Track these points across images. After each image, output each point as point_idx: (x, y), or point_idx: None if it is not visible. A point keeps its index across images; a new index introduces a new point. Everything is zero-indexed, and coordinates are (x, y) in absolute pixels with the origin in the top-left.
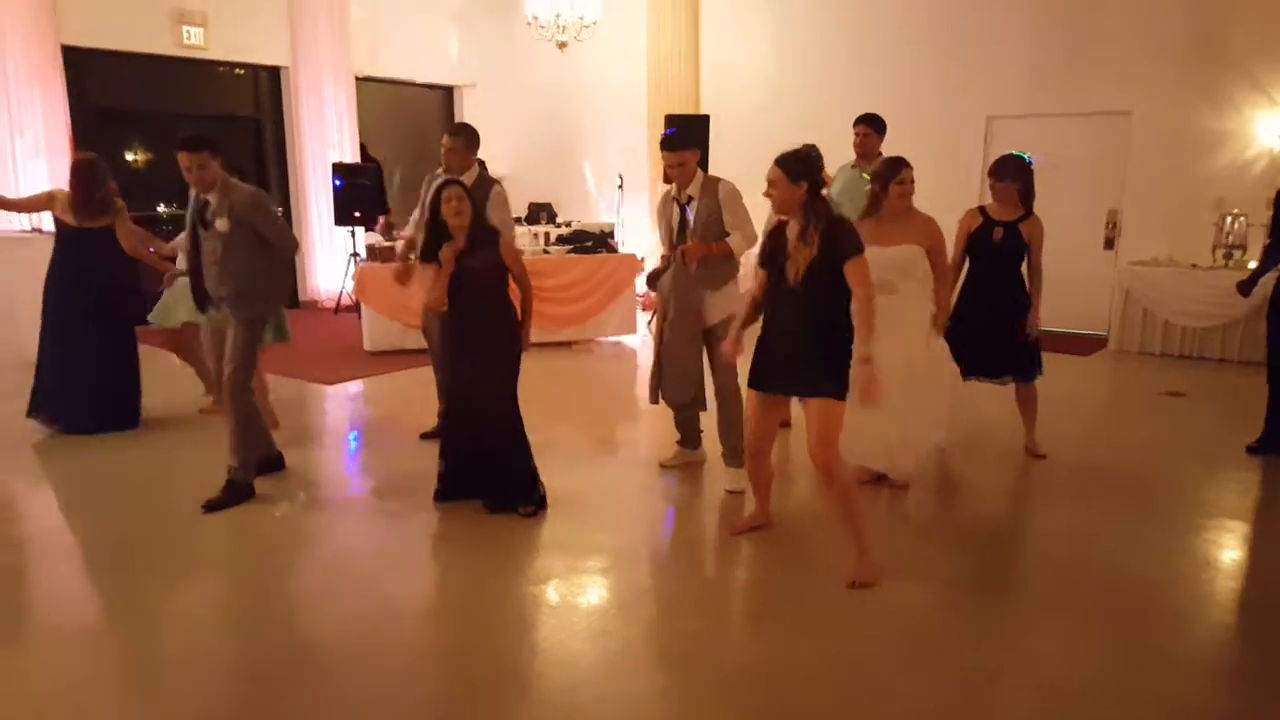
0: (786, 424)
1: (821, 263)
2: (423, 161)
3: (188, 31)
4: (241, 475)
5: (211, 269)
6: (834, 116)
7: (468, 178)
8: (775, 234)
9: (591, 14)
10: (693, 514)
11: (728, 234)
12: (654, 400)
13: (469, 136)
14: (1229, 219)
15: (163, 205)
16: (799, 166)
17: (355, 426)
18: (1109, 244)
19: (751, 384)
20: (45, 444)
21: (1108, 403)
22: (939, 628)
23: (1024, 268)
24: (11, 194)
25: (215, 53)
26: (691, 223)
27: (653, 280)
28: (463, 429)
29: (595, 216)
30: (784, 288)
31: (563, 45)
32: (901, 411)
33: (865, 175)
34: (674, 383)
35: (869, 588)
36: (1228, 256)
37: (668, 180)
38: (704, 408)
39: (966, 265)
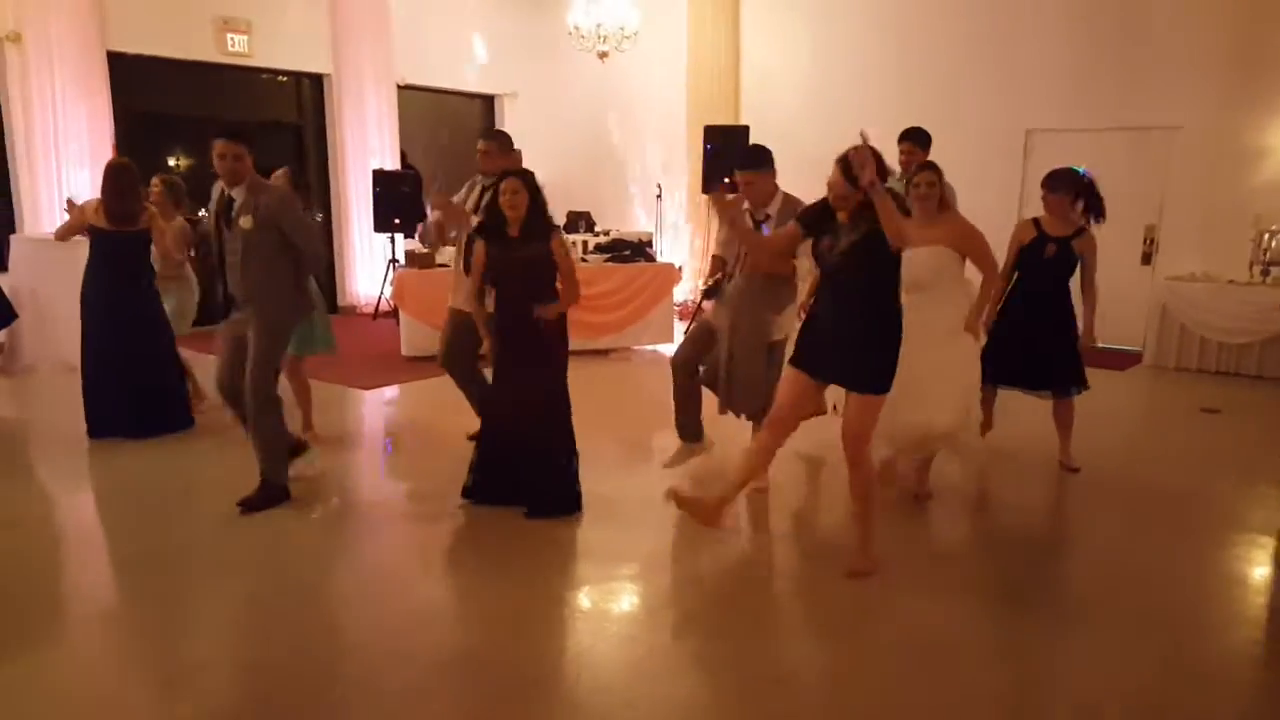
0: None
1: (867, 242)
2: (463, 170)
3: (232, 39)
4: (275, 477)
5: (234, 269)
6: (873, 126)
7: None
8: (823, 206)
9: (632, 24)
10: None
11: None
12: (723, 411)
13: (502, 140)
14: (1266, 235)
15: (204, 210)
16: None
17: (392, 431)
18: (1146, 259)
19: (793, 361)
20: (93, 445)
21: (1143, 418)
22: (971, 640)
23: (1072, 282)
24: (58, 206)
25: (259, 60)
26: None
27: (711, 293)
28: (503, 427)
29: (634, 225)
30: (830, 267)
31: (603, 55)
32: (924, 404)
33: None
34: (746, 395)
35: (864, 578)
36: (1264, 273)
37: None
38: None
39: (1016, 275)
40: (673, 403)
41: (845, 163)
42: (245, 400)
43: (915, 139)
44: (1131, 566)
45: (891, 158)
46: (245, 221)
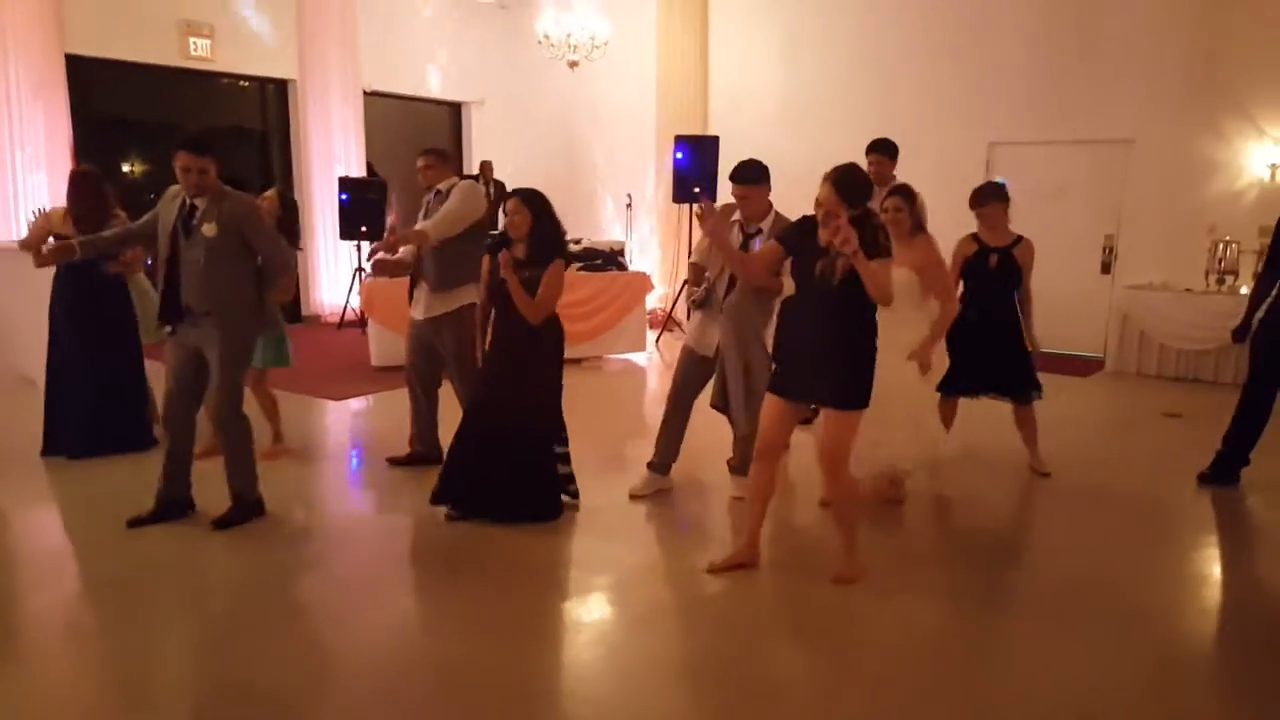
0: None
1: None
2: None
3: (194, 43)
4: (247, 492)
5: (192, 280)
6: (839, 137)
7: (446, 185)
8: (805, 225)
9: (602, 34)
10: (705, 529)
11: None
12: (741, 434)
13: (440, 154)
14: (1221, 245)
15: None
16: (854, 193)
17: (365, 442)
18: (1105, 268)
19: (772, 388)
20: (55, 464)
21: (1108, 422)
22: (955, 644)
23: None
24: (14, 211)
25: (222, 65)
26: None
27: (702, 303)
28: (484, 436)
29: (604, 234)
30: (815, 287)
31: (574, 64)
32: (895, 425)
33: None
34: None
35: (851, 584)
36: (1220, 281)
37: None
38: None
39: (961, 287)
40: (659, 428)
41: (837, 181)
42: (177, 420)
43: (883, 150)
44: (1106, 568)
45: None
46: (208, 229)
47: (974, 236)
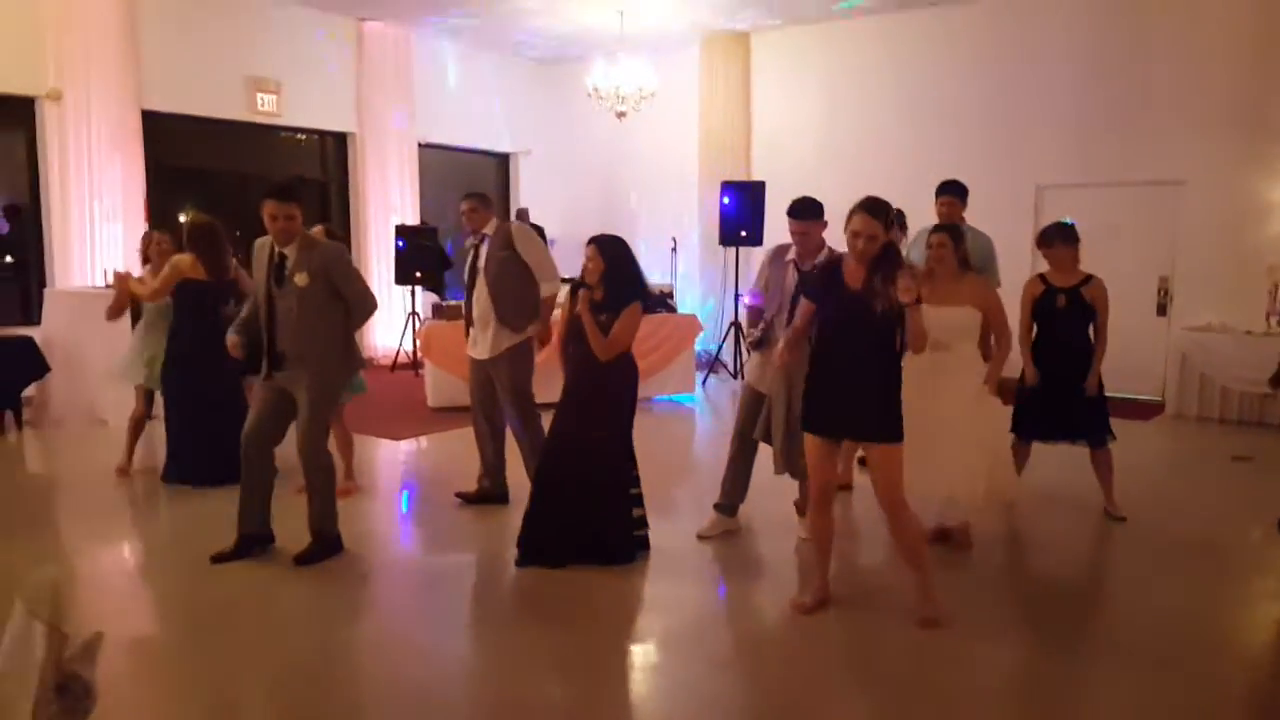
0: (848, 486)
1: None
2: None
3: (261, 99)
4: (328, 529)
5: (286, 328)
6: (882, 181)
7: (490, 229)
8: (827, 271)
9: (649, 85)
10: (774, 570)
11: None
12: (780, 472)
13: (484, 199)
14: None
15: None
16: (885, 216)
17: (431, 480)
18: (1161, 310)
19: (809, 428)
20: (157, 491)
21: (1178, 466)
22: (1040, 691)
23: (1090, 329)
24: (90, 260)
25: (287, 119)
26: None
27: (761, 343)
28: (562, 478)
29: (648, 278)
30: (852, 325)
31: (621, 115)
32: (952, 465)
33: None
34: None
35: (936, 627)
36: None
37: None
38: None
39: (1035, 330)
40: (725, 468)
41: (871, 208)
42: (255, 458)
43: (954, 191)
44: (1186, 614)
45: (923, 214)
46: (300, 278)
47: (1041, 277)
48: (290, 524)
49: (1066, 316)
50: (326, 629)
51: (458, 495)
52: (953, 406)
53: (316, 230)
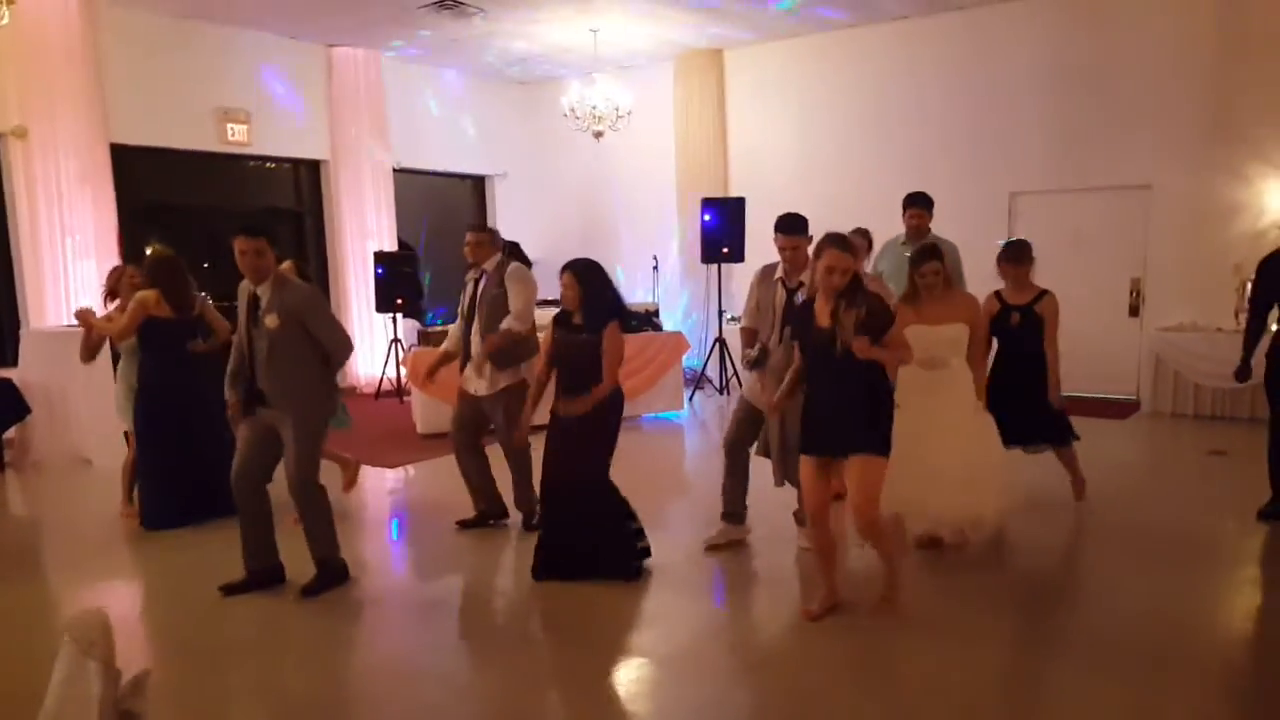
0: (842, 496)
1: (864, 329)
2: (454, 248)
3: (232, 129)
4: (331, 559)
5: (261, 368)
6: (859, 195)
7: (490, 265)
8: (804, 309)
9: (625, 104)
10: (775, 581)
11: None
12: (780, 483)
13: (492, 233)
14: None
15: (207, 295)
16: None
17: (429, 506)
18: (1134, 311)
19: (802, 449)
20: (133, 536)
21: (1156, 462)
22: (1005, 686)
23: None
24: (63, 298)
25: (257, 148)
26: None
27: (758, 363)
28: (565, 505)
29: (631, 297)
30: (825, 356)
31: (599, 135)
32: (960, 481)
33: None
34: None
35: (886, 613)
36: None
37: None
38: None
39: (996, 345)
40: (722, 481)
41: (839, 241)
42: (247, 492)
43: (923, 204)
44: (1166, 608)
45: (874, 218)
46: (270, 320)
47: (997, 294)
48: (295, 556)
49: (1019, 331)
50: (337, 658)
51: (458, 524)
52: (954, 418)
53: (286, 266)
